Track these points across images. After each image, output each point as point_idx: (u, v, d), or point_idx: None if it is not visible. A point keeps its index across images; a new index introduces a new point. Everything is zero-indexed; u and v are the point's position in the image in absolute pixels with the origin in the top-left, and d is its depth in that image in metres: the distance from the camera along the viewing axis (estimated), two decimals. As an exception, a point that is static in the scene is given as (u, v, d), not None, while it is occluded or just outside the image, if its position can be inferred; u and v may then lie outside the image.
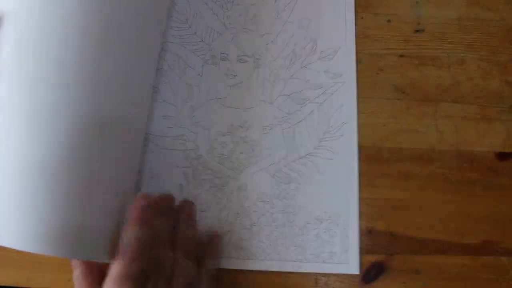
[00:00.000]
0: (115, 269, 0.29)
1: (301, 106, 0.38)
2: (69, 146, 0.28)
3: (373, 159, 0.37)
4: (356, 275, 0.35)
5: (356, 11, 0.40)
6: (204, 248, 0.33)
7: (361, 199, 0.36)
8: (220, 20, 0.39)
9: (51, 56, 0.28)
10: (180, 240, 0.32)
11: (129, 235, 0.31)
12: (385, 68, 0.39)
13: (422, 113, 0.38)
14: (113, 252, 0.31)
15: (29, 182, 0.27)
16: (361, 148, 0.37)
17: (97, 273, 0.31)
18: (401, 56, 0.39)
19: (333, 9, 0.40)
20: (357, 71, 0.38)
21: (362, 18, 0.40)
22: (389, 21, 0.40)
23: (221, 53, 0.38)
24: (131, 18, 0.32)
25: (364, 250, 0.35)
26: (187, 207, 0.34)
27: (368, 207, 0.36)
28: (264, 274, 0.35)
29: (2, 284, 0.34)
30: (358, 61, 0.39)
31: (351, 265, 0.35)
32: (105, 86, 0.30)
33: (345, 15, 0.39)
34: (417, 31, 0.40)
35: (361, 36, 0.39)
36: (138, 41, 0.33)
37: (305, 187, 0.36)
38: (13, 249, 0.27)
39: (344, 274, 0.35)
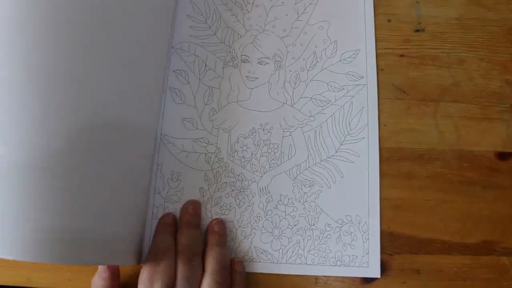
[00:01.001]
0: (144, 274, 0.30)
1: (323, 108, 0.37)
2: (75, 146, 0.28)
3: (373, 159, 0.37)
4: (356, 275, 0.35)
5: (356, 11, 0.40)
6: (232, 275, 0.33)
7: (361, 199, 0.36)
8: (240, 22, 0.39)
9: (52, 54, 0.28)
10: (211, 260, 0.32)
11: (160, 241, 0.32)
12: (385, 67, 0.39)
13: (422, 113, 0.38)
14: (138, 256, 0.32)
15: (31, 185, 0.27)
16: (361, 148, 0.37)
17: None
18: (401, 55, 0.39)
19: (353, 11, 0.39)
20: (378, 73, 0.38)
21: (362, 18, 0.40)
22: (389, 20, 0.40)
23: (241, 55, 0.38)
24: (136, 14, 0.32)
25: (364, 250, 0.35)
26: (218, 226, 0.34)
27: (368, 207, 0.36)
28: (262, 274, 0.35)
29: (2, 284, 0.34)
30: (358, 61, 0.39)
31: (372, 269, 0.35)
32: (108, 85, 0.30)
33: (365, 17, 0.39)
34: (417, 30, 0.40)
35: (361, 36, 0.39)
36: (143, 38, 0.32)
37: (327, 190, 0.36)
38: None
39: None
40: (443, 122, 0.38)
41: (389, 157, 0.37)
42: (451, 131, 0.38)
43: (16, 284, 0.34)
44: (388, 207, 0.36)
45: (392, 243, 0.36)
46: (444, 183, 0.37)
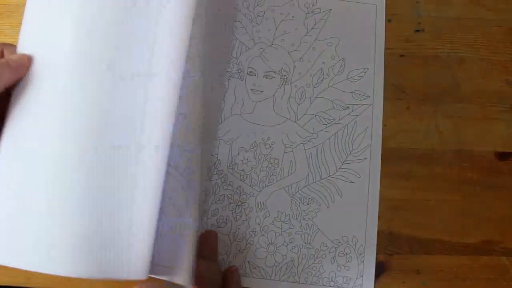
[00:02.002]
0: None
1: (326, 126, 0.37)
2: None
3: (373, 159, 0.37)
4: (356, 275, 0.35)
5: (356, 11, 0.40)
6: (226, 282, 0.33)
7: (361, 199, 0.36)
8: (248, 34, 0.39)
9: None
10: (206, 274, 0.32)
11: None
12: (385, 68, 0.39)
13: (422, 113, 0.38)
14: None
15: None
16: (361, 148, 0.37)
17: None
18: (401, 56, 0.39)
19: (363, 30, 0.39)
20: (385, 95, 0.38)
21: (362, 18, 0.40)
22: (389, 21, 0.40)
23: (248, 67, 0.38)
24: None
25: (364, 250, 0.35)
26: (211, 239, 0.34)
27: (368, 207, 0.36)
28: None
29: (2, 284, 0.34)
30: (358, 61, 0.39)
31: None
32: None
33: (375, 36, 0.39)
34: (417, 31, 0.40)
35: (361, 36, 0.39)
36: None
37: (325, 210, 0.36)
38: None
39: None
40: (443, 122, 0.38)
41: (389, 157, 0.37)
42: (451, 131, 0.38)
43: (16, 284, 0.34)
44: (388, 207, 0.36)
45: (392, 243, 0.36)
46: (444, 183, 0.37)
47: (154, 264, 0.29)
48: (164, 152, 0.34)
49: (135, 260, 0.30)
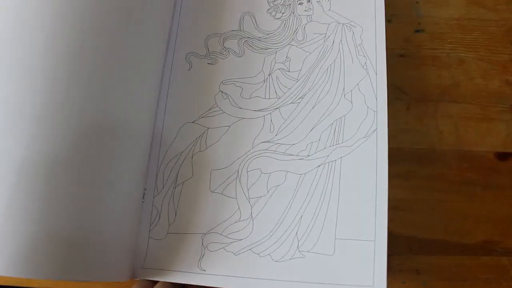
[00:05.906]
0: None
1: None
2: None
3: (373, 159, 0.37)
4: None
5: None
6: None
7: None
8: None
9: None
10: None
11: None
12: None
13: (422, 113, 0.38)
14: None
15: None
16: (361, 148, 0.37)
17: None
18: (401, 56, 0.39)
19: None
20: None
21: (362, 18, 0.40)
22: (389, 21, 0.40)
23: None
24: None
25: (364, 250, 0.35)
26: None
27: (368, 207, 0.36)
28: None
29: (2, 284, 0.34)
30: (358, 61, 0.39)
31: None
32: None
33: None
34: (417, 31, 0.40)
35: (361, 36, 0.39)
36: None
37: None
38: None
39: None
40: (443, 122, 0.38)
41: (389, 157, 0.37)
42: (451, 131, 0.38)
43: (16, 284, 0.34)
44: (388, 207, 0.36)
45: (392, 243, 0.36)
46: (444, 183, 0.37)
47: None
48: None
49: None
